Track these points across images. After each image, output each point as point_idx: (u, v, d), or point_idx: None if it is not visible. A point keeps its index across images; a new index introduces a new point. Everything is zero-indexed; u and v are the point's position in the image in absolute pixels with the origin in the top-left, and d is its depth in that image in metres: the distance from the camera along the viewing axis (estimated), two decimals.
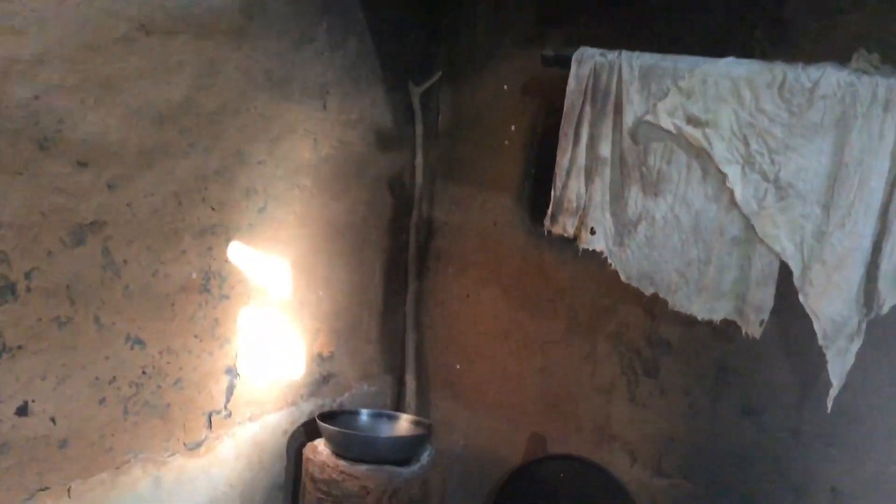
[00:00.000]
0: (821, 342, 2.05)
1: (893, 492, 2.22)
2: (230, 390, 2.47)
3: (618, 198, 2.28)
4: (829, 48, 2.15)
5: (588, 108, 2.27)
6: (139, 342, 2.18)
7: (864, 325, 2.05)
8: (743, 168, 2.09)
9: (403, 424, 2.87)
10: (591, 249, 2.35)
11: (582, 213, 2.32)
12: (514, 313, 2.92)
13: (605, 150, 2.26)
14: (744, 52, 2.17)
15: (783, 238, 2.07)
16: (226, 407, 2.47)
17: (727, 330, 2.35)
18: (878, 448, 2.24)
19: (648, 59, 2.19)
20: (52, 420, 2.01)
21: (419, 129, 2.98)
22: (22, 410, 1.94)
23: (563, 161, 2.33)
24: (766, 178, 2.07)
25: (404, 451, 2.67)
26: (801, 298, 2.06)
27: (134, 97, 2.05)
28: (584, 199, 2.31)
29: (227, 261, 2.39)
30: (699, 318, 2.24)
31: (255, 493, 2.63)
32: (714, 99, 2.09)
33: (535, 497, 2.81)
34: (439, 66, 3.02)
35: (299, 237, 2.63)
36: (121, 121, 2.03)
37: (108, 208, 2.04)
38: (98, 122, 1.97)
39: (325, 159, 2.67)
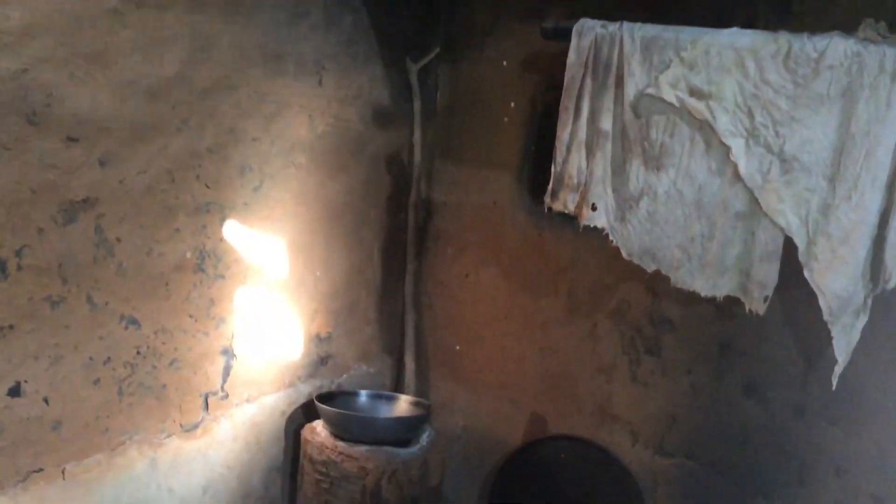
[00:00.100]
0: (826, 318, 2.02)
1: None
2: (227, 371, 2.45)
3: (619, 172, 2.24)
4: (835, 18, 2.10)
5: (589, 81, 2.23)
6: (133, 322, 2.16)
7: (870, 301, 2.01)
8: (747, 141, 2.05)
9: (402, 405, 2.85)
10: (591, 226, 2.31)
11: (583, 189, 2.28)
12: (514, 293, 2.89)
13: (607, 123, 2.22)
14: (747, 24, 2.12)
15: (788, 212, 2.03)
16: (222, 388, 2.45)
17: (730, 307, 2.32)
18: (883, 426, 2.21)
19: (650, 30, 2.14)
20: (46, 401, 1.98)
21: (417, 106, 2.94)
22: (14, 391, 1.92)
23: (563, 135, 2.28)
24: (770, 150, 2.03)
25: (403, 431, 2.64)
26: (805, 274, 2.03)
27: (125, 72, 2.01)
28: (585, 175, 2.27)
29: (222, 240, 2.35)
30: (702, 294, 2.20)
31: (253, 475, 2.61)
32: (717, 70, 2.05)
33: (535, 478, 2.79)
34: (437, 42, 2.97)
35: (296, 216, 2.60)
36: (111, 96, 1.99)
37: (99, 185, 2.01)
38: (88, 96, 1.94)
39: (321, 137, 2.63)
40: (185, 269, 2.26)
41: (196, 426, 2.38)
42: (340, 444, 2.51)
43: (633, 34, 2.16)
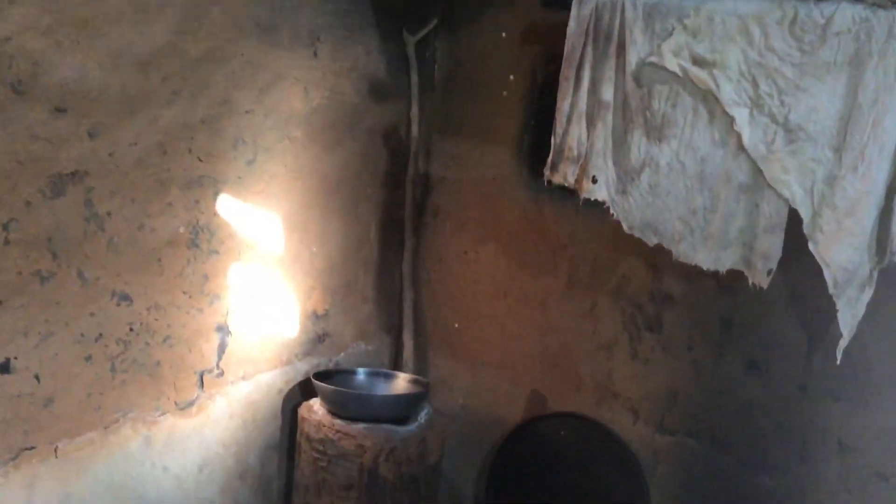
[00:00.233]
0: (831, 291, 1.98)
1: None
2: (222, 348, 2.42)
3: (620, 144, 2.20)
4: None
5: (589, 51, 2.19)
6: (125, 298, 2.12)
7: (875, 274, 1.98)
8: (751, 110, 2.01)
9: (401, 383, 2.83)
10: (592, 200, 2.27)
11: (583, 161, 2.24)
12: (513, 270, 2.86)
13: (608, 93, 2.18)
14: None
15: (793, 183, 1.99)
16: (218, 366, 2.42)
17: (732, 283, 2.29)
18: (887, 400, 2.18)
19: None
20: (37, 378, 1.95)
21: (414, 79, 2.89)
22: (4, 368, 1.89)
23: (563, 106, 2.24)
24: (775, 120, 1.98)
25: (401, 409, 2.62)
26: (810, 246, 1.99)
27: (113, 40, 1.97)
28: (586, 146, 2.23)
29: (215, 214, 2.31)
30: (704, 268, 2.17)
31: (250, 453, 2.59)
32: (721, 38, 2.00)
33: (535, 456, 2.77)
34: (434, 13, 2.91)
35: (291, 191, 2.55)
36: (100, 65, 1.95)
37: (89, 158, 1.97)
38: (76, 66, 1.90)
39: (316, 110, 2.58)
40: (178, 245, 2.23)
41: (191, 404, 2.35)
42: (338, 421, 2.48)
43: (634, 1, 2.12)
